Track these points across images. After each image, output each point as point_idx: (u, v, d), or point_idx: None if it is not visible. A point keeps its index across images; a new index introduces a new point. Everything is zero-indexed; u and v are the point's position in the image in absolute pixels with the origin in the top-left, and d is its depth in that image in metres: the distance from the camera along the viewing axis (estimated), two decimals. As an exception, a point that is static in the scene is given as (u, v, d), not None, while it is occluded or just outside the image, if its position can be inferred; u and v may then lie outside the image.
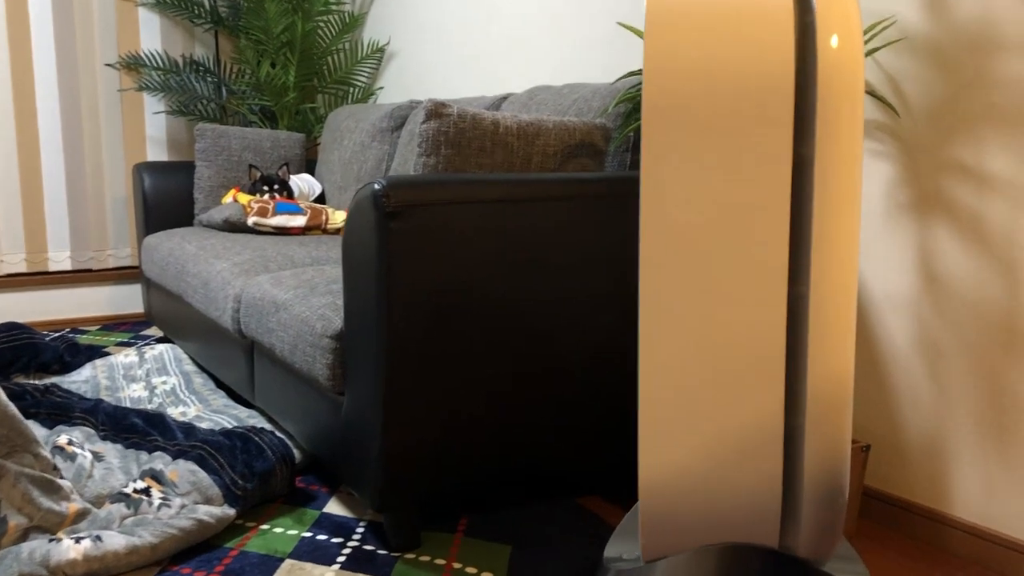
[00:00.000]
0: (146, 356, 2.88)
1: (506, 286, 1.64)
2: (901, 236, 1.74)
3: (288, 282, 2.03)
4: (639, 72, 1.84)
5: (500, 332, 1.65)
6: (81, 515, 1.65)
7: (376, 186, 1.50)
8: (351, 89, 3.84)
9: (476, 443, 1.67)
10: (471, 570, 1.59)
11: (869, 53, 1.70)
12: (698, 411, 0.73)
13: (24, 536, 1.57)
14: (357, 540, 1.70)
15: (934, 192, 1.68)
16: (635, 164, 1.94)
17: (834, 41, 0.76)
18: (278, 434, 1.98)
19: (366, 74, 3.83)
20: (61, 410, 2.20)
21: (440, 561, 1.62)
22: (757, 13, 0.76)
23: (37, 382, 2.59)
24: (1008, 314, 1.58)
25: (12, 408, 1.62)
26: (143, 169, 3.35)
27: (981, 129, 1.60)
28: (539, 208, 1.63)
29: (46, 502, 1.61)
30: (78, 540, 1.52)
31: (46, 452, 1.67)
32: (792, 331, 0.72)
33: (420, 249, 1.53)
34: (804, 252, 0.72)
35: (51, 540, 1.51)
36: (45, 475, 1.64)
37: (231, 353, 2.37)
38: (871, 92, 1.74)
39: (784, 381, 0.70)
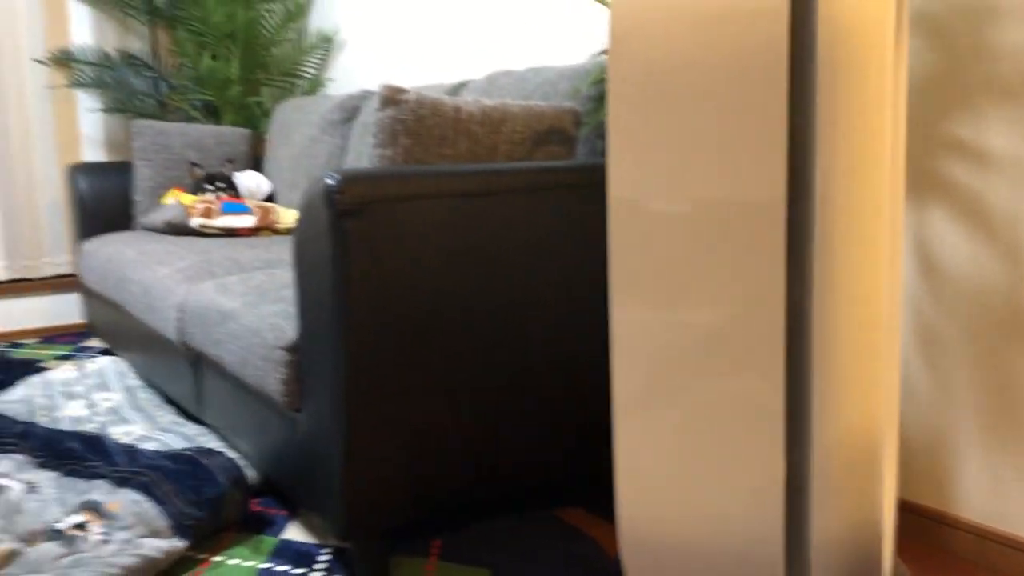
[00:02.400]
0: (87, 371, 2.69)
1: (475, 287, 1.50)
2: (894, 220, 1.63)
3: (235, 288, 1.87)
4: (610, 51, 1.70)
5: (470, 338, 1.51)
6: (9, 557, 1.48)
7: (329, 181, 1.35)
8: (299, 81, 3.66)
9: (446, 458, 1.53)
10: (448, 599, 1.45)
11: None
12: (680, 455, 0.59)
13: (-57, 585, 1.40)
14: (321, 570, 1.55)
15: (930, 172, 1.58)
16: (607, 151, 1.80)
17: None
18: (230, 455, 1.81)
19: (314, 65, 3.65)
20: (-11, 436, 2.02)
21: (413, 590, 1.48)
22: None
23: (-35, 404, 2.39)
24: (1012, 300, 1.48)
25: (-75, 441, 1.45)
26: (78, 171, 3.15)
27: (980, 103, 1.50)
28: (509, 201, 1.49)
29: (-32, 545, 1.44)
30: (4, 589, 1.35)
31: (-33, 488, 1.49)
32: (793, 352, 0.58)
33: (380, 250, 1.38)
34: (806, 252, 0.58)
35: (-27, 590, 1.34)
36: (-34, 515, 1.46)
37: (177, 366, 2.20)
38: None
39: (784, 430, 0.56)
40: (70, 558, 1.50)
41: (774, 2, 0.58)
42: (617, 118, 0.68)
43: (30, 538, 1.58)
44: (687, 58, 0.61)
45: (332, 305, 1.39)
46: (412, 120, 1.55)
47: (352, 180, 1.35)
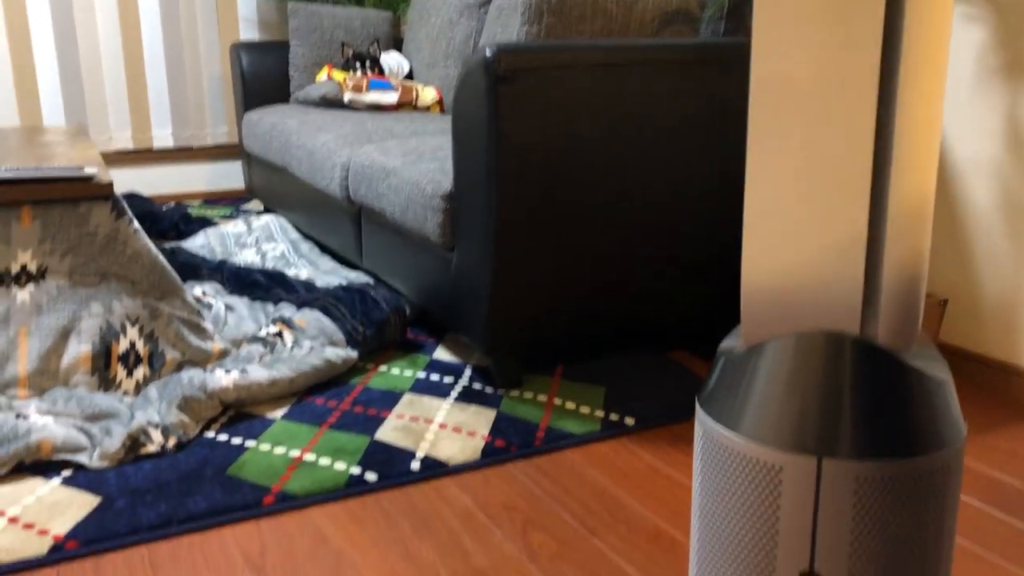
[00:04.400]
0: (253, 225, 3.09)
1: (606, 148, 1.75)
2: (989, 101, 1.79)
3: (394, 150, 2.17)
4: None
5: (600, 193, 1.77)
6: (224, 354, 1.86)
7: (488, 52, 1.61)
8: (435, -33, 3.88)
9: (575, 296, 1.82)
10: (570, 405, 1.76)
11: (968, -84, 1.72)
12: (794, 218, 0.85)
13: (178, 369, 1.79)
14: (466, 380, 1.89)
15: (1026, 56, 1.72)
16: (728, 31, 2.00)
17: None
18: (390, 290, 2.15)
19: (450, -49, 3.86)
20: (190, 268, 2.42)
21: (542, 398, 1.80)
22: None
23: (162, 245, 2.82)
24: (1092, 174, 1.64)
25: (162, 258, 1.82)
26: (241, 48, 3.49)
27: (1078, -9, 1.63)
28: (639, 73, 1.73)
29: (195, 340, 1.83)
30: (228, 371, 1.73)
31: (191, 298, 1.87)
32: (879, 150, 0.83)
33: (527, 113, 1.65)
34: (893, 82, 0.82)
35: (205, 371, 1.73)
36: (192, 318, 1.85)
37: (338, 219, 2.55)
38: (968, -44, 1.77)
39: (869, 196, 0.82)
40: (270, 357, 1.87)
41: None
42: (761, 19, 0.91)
43: (233, 343, 1.96)
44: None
45: (485, 159, 1.67)
46: (556, 0, 1.78)
47: (506, 51, 1.61)
